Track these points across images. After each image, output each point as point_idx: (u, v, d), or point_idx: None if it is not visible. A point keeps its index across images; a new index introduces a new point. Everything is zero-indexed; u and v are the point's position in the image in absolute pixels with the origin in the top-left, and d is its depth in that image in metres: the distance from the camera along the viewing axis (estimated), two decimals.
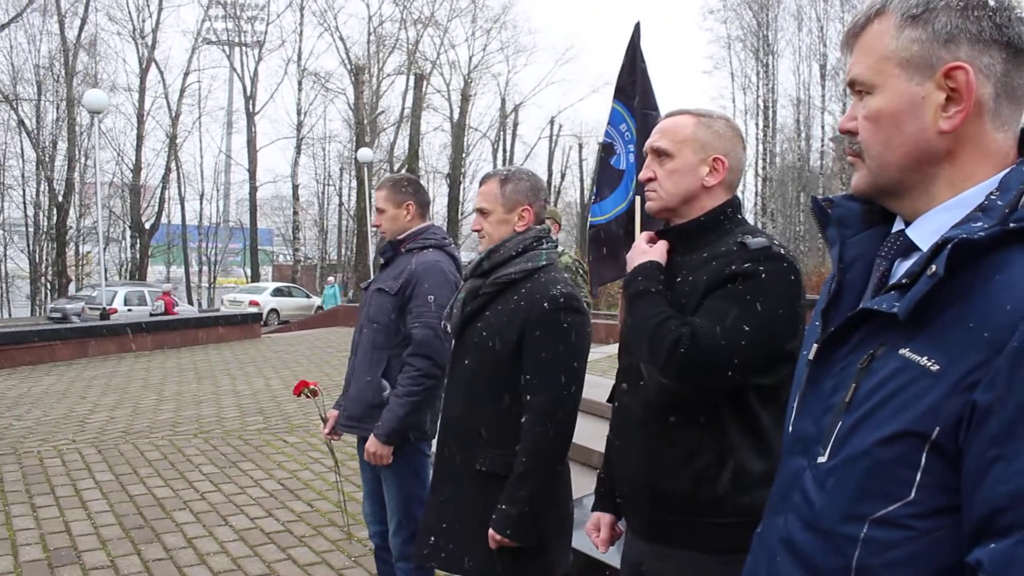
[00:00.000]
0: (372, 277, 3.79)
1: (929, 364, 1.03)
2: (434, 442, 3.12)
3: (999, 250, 1.03)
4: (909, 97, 1.14)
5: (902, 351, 1.07)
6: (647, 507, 2.07)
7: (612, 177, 5.59)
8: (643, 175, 2.16)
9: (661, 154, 2.12)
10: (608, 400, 2.31)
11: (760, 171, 41.31)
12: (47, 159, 38.53)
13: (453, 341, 2.82)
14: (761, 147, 41.16)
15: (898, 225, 1.22)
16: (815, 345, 1.25)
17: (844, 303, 1.24)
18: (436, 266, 3.45)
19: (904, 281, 1.09)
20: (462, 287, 2.83)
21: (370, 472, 3.61)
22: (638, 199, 5.14)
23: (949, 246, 1.03)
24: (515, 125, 50.34)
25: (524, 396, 2.56)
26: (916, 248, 1.16)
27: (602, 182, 5.67)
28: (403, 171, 41.84)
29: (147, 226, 41.07)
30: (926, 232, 1.15)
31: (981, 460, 0.97)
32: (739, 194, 2.18)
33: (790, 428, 1.28)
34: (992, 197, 1.09)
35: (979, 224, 1.05)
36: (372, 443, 3.37)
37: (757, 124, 41.56)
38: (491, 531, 2.53)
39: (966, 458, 0.99)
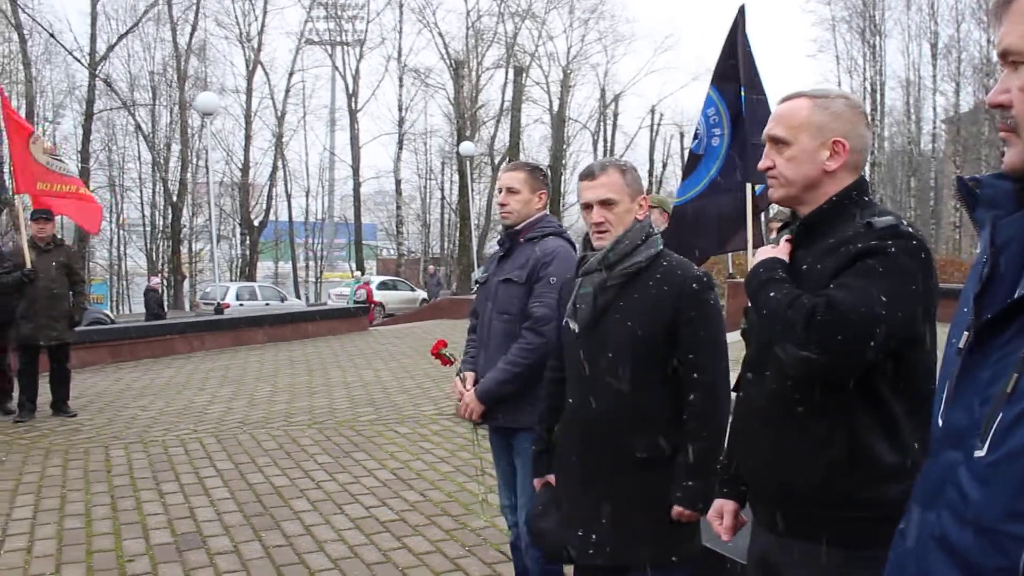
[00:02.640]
0: (479, 270, 3.81)
1: None
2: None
3: None
4: None
5: None
6: (774, 499, 2.03)
7: (690, 162, 5.65)
8: (762, 164, 2.13)
9: (778, 142, 2.09)
10: (733, 388, 2.28)
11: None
12: (162, 161, 40.41)
13: (581, 337, 2.74)
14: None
15: None
16: (966, 333, 1.19)
17: (998, 289, 1.17)
18: (560, 251, 3.50)
19: None
20: (580, 282, 2.78)
21: (505, 463, 3.65)
22: (749, 187, 5.04)
23: None
24: (615, 115, 49.95)
25: (690, 375, 2.63)
26: None
27: (686, 168, 5.73)
28: (504, 164, 42.17)
29: (256, 223, 42.46)
30: None
31: None
32: None
33: (940, 421, 1.22)
34: None
35: None
36: (469, 396, 3.52)
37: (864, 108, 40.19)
38: (678, 508, 2.57)
39: None
